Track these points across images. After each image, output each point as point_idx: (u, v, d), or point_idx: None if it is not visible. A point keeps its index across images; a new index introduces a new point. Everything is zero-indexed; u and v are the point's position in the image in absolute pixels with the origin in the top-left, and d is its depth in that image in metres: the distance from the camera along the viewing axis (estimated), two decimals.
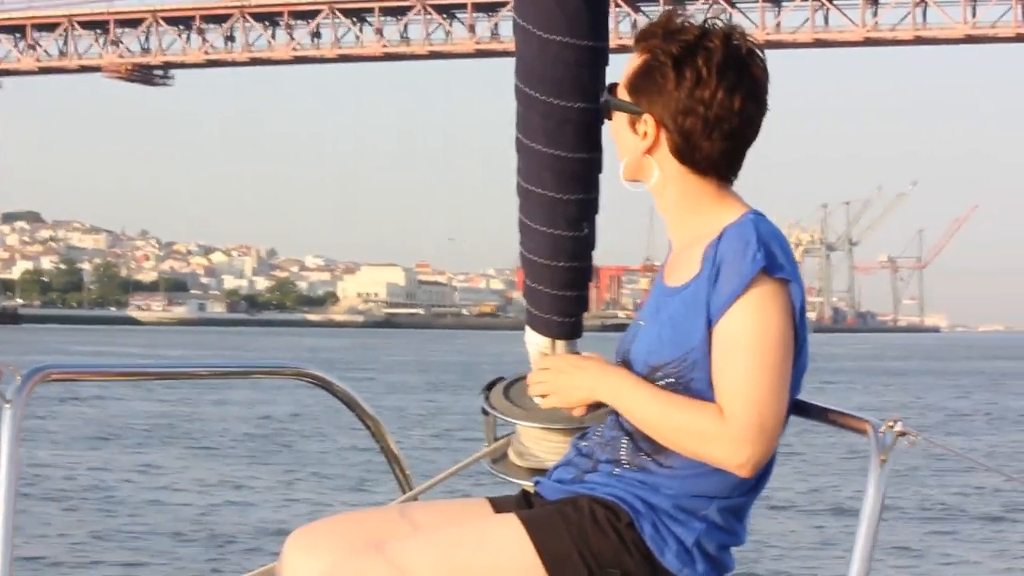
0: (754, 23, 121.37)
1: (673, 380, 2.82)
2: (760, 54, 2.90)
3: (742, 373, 2.75)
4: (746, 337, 2.76)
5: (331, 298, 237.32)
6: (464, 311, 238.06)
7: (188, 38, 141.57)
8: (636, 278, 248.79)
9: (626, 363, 2.92)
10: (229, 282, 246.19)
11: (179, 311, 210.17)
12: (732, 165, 2.91)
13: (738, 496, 2.87)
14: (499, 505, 3.02)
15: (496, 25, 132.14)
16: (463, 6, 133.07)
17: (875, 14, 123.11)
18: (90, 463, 24.42)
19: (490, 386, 3.54)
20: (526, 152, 3.42)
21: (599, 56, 3.38)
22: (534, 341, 3.52)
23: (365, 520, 3.02)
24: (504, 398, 3.50)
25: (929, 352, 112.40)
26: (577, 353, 3.12)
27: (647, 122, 2.89)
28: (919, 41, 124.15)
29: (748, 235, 2.80)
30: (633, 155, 2.92)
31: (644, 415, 2.82)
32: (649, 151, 2.90)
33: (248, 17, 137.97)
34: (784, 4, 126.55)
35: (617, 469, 2.88)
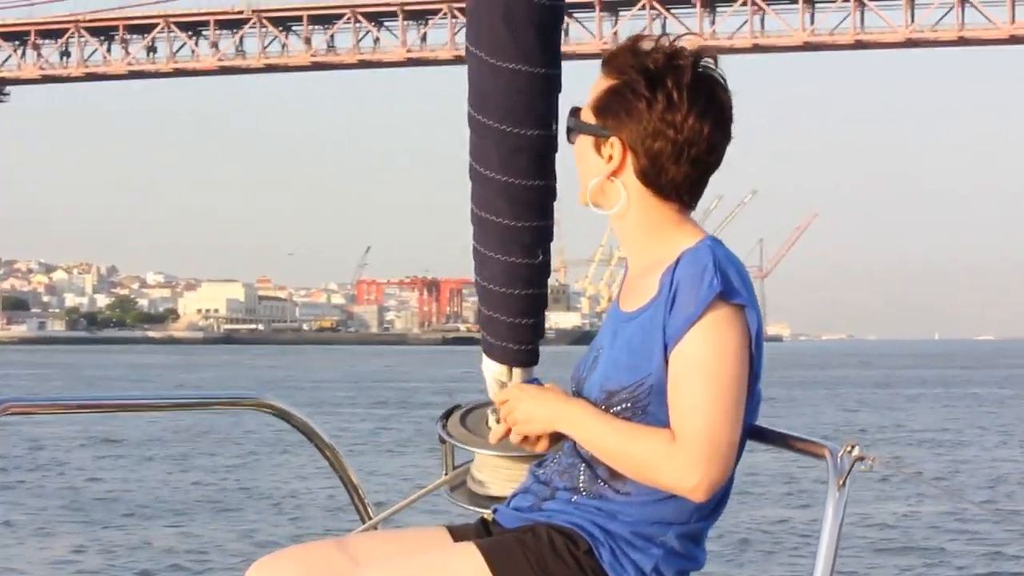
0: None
1: (629, 406, 2.83)
2: (725, 82, 2.92)
3: (696, 396, 2.76)
4: (701, 361, 2.77)
5: (171, 315, 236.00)
6: (304, 326, 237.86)
7: (23, 53, 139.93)
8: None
9: (580, 389, 2.94)
10: (70, 300, 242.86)
11: (19, 330, 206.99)
12: (695, 191, 2.92)
13: (696, 521, 2.88)
14: (457, 533, 3.02)
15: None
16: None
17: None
18: (43, 493, 24.21)
19: (447, 414, 3.54)
20: (480, 180, 3.42)
21: (552, 83, 3.38)
22: (491, 369, 3.52)
23: (326, 550, 3.01)
24: (461, 426, 3.50)
25: (779, 362, 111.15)
26: (537, 383, 3.11)
27: (613, 145, 2.90)
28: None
29: (705, 260, 2.81)
30: (597, 178, 2.93)
31: (601, 445, 2.83)
32: (614, 174, 2.91)
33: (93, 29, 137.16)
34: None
35: (575, 497, 2.89)
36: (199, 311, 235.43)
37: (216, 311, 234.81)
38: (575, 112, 2.98)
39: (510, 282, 3.44)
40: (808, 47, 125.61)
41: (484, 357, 3.52)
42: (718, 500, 2.88)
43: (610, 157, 2.91)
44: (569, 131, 2.99)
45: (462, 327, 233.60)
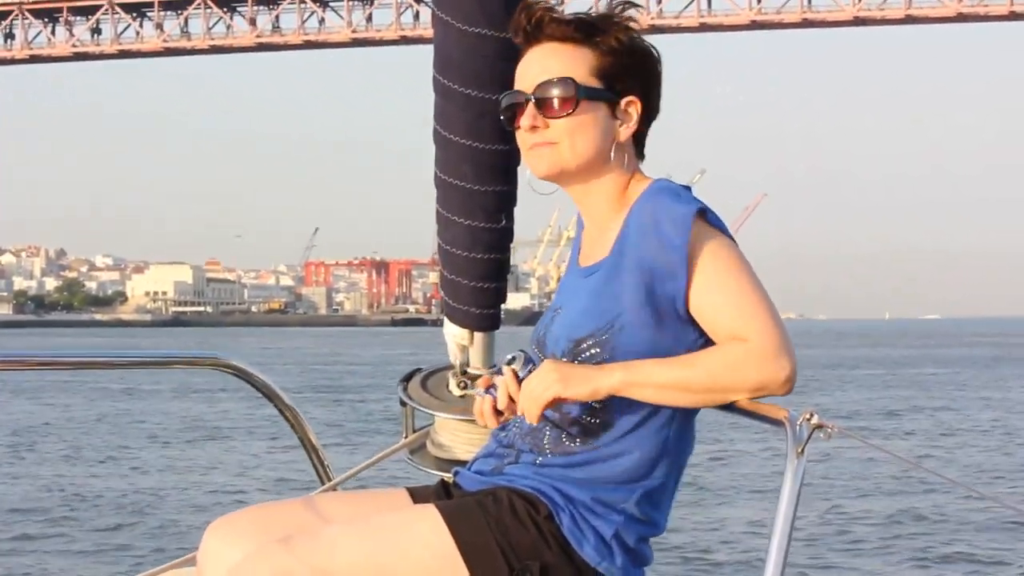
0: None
1: (598, 351, 2.80)
2: None
3: (743, 297, 2.74)
4: (724, 266, 2.76)
5: (119, 297, 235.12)
6: (253, 308, 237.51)
7: None
8: (426, 272, 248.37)
9: (543, 347, 2.91)
10: (19, 283, 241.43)
11: None
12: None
13: (660, 477, 2.87)
14: (418, 496, 3.01)
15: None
16: None
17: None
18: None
19: (408, 377, 3.54)
20: (444, 144, 3.42)
21: (518, 48, 3.38)
22: (452, 332, 3.52)
23: (284, 510, 3.00)
24: (422, 389, 3.51)
25: None
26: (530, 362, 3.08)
27: (634, 105, 2.89)
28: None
29: (666, 187, 2.84)
30: (604, 144, 2.88)
31: (666, 376, 2.73)
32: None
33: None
34: None
35: (540, 459, 2.88)
36: (147, 294, 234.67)
37: (164, 294, 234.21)
38: (569, 83, 2.87)
39: (472, 246, 3.45)
40: (755, 26, 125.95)
41: (446, 321, 3.52)
42: (679, 454, 2.89)
43: (629, 116, 2.89)
44: (579, 95, 2.87)
45: (411, 308, 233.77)
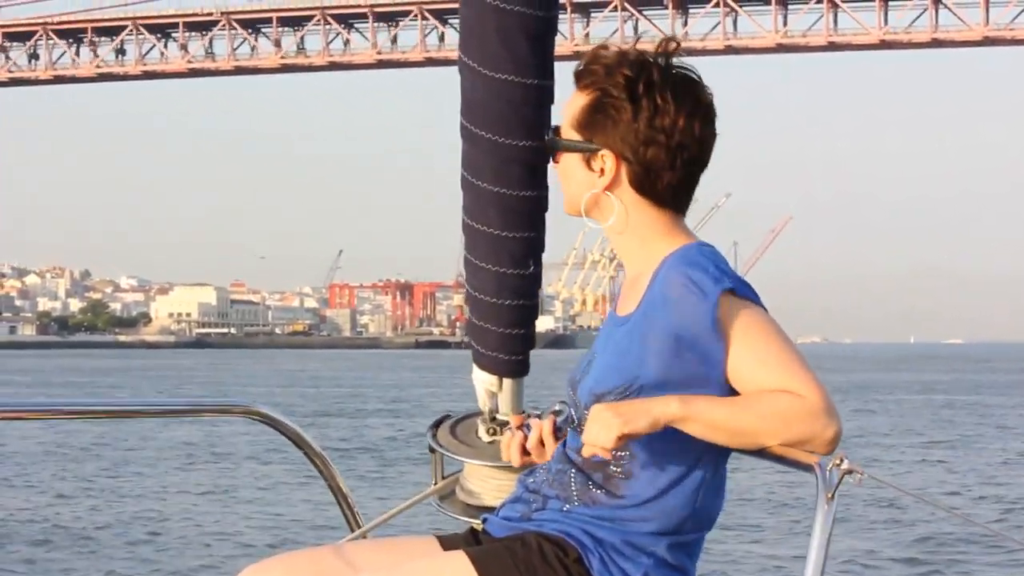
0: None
1: None
2: (699, 77, 2.90)
3: (785, 359, 2.74)
4: (760, 335, 2.77)
5: (143, 319, 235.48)
6: (277, 330, 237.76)
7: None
8: (450, 294, 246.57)
9: (574, 389, 2.92)
10: (43, 304, 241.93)
11: None
12: (688, 193, 2.91)
13: (688, 532, 2.87)
14: (447, 543, 3.01)
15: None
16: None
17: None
18: (21, 504, 24.09)
19: (437, 423, 3.55)
20: (472, 190, 3.43)
21: (545, 94, 3.39)
22: (481, 378, 3.52)
23: (315, 558, 3.01)
24: (451, 435, 3.51)
25: None
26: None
27: (604, 158, 2.88)
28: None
29: (696, 262, 2.82)
30: (591, 191, 2.90)
31: (720, 416, 2.72)
32: (609, 187, 2.89)
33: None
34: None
35: (566, 506, 2.88)
36: (171, 315, 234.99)
37: (188, 315, 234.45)
38: (555, 131, 2.95)
39: (500, 292, 3.45)
40: (781, 49, 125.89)
41: (474, 367, 3.52)
42: (711, 511, 2.89)
43: (602, 171, 2.88)
44: (551, 149, 2.96)
45: (435, 331, 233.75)
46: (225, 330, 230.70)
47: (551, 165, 3.01)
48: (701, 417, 2.72)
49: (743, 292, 2.82)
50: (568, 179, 2.94)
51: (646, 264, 2.90)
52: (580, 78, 2.92)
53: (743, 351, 2.77)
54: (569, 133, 2.92)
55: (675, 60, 2.89)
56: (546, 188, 3.42)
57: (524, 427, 3.09)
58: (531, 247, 3.46)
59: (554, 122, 2.98)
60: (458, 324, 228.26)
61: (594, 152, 2.88)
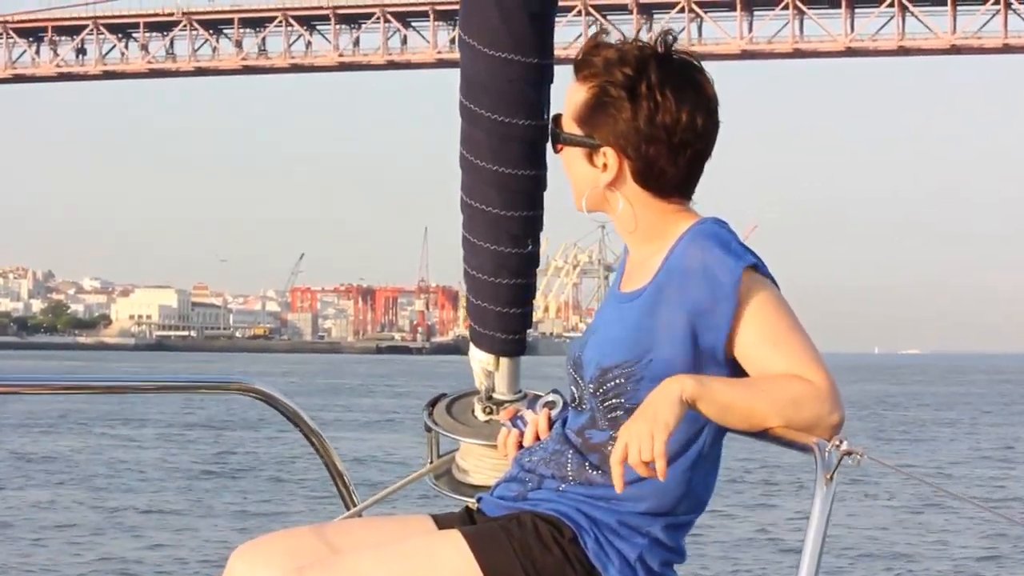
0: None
1: (622, 382, 2.81)
2: (700, 64, 2.89)
3: (797, 344, 2.76)
4: (775, 316, 2.78)
5: (103, 320, 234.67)
6: (238, 333, 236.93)
7: None
8: (412, 300, 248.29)
9: (578, 368, 2.92)
10: (4, 304, 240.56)
11: None
12: (694, 184, 2.91)
13: (683, 513, 2.88)
14: (442, 522, 3.01)
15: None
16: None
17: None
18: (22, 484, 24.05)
19: (433, 402, 3.54)
20: (470, 168, 3.42)
21: (545, 73, 3.39)
22: (478, 358, 3.53)
23: (309, 536, 3.00)
24: (447, 414, 3.51)
25: None
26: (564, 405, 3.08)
27: (606, 154, 2.86)
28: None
29: (714, 234, 2.82)
30: (594, 187, 2.89)
31: (732, 398, 2.71)
32: (612, 183, 2.87)
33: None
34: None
35: (563, 485, 2.88)
36: (131, 317, 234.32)
37: (149, 317, 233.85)
38: (556, 120, 2.94)
39: (498, 271, 3.45)
40: (746, 55, 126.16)
41: (472, 347, 3.52)
42: (705, 492, 2.90)
43: (604, 166, 2.87)
44: (555, 140, 2.95)
45: (396, 336, 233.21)
46: (186, 333, 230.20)
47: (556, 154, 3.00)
48: (716, 397, 2.71)
49: (763, 270, 2.83)
50: (571, 171, 2.94)
51: (657, 245, 2.89)
52: (579, 68, 2.90)
53: (757, 329, 2.78)
54: (570, 126, 2.90)
55: (678, 49, 2.87)
56: (545, 167, 3.42)
57: (518, 419, 3.08)
58: (529, 226, 3.46)
59: (555, 109, 2.98)
60: (419, 330, 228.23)
61: (596, 148, 2.88)
